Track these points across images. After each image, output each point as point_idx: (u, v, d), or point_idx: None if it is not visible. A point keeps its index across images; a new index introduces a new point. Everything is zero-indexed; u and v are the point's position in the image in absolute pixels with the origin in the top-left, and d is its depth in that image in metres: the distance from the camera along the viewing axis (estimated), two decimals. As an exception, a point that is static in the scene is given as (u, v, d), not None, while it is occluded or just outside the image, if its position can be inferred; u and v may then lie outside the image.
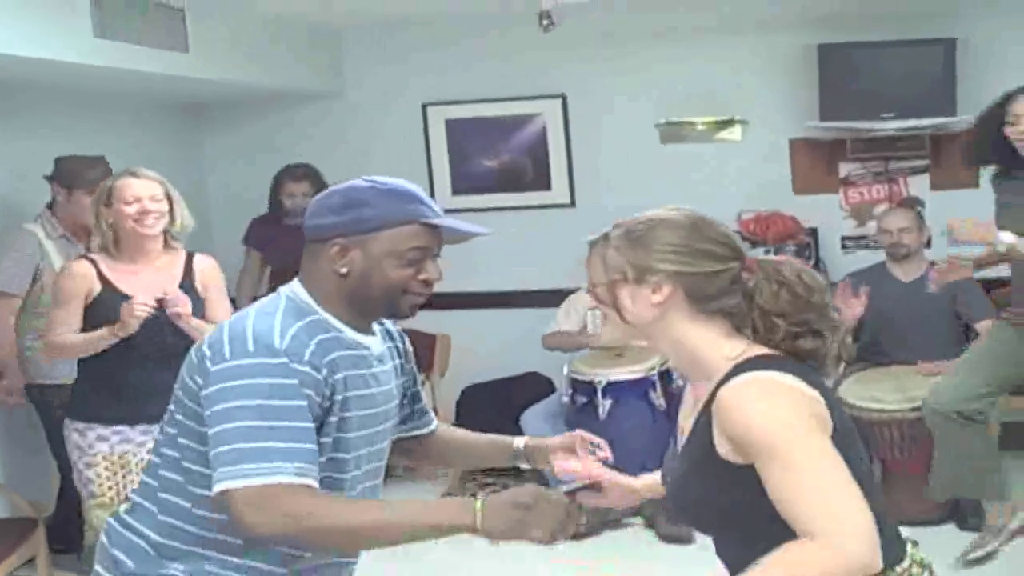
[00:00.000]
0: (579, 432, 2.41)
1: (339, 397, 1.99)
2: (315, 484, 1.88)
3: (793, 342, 1.80)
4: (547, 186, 6.20)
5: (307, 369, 1.93)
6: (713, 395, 1.76)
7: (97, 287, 3.65)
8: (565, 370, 5.19)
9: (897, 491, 4.64)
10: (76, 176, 4.48)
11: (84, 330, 3.66)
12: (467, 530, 1.86)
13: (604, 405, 4.95)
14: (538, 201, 6.20)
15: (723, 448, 1.73)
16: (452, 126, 6.24)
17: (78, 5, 4.11)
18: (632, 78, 5.97)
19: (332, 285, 2.05)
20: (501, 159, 6.24)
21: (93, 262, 3.69)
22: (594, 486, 2.23)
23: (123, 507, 2.14)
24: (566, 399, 5.15)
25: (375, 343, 2.15)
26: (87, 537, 3.83)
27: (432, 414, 2.49)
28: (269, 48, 5.55)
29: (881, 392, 4.70)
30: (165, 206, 3.69)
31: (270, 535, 1.87)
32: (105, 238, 3.67)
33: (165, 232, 3.72)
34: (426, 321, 5.93)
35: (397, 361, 2.28)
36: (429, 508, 1.99)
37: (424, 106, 6.24)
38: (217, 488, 1.86)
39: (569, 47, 5.83)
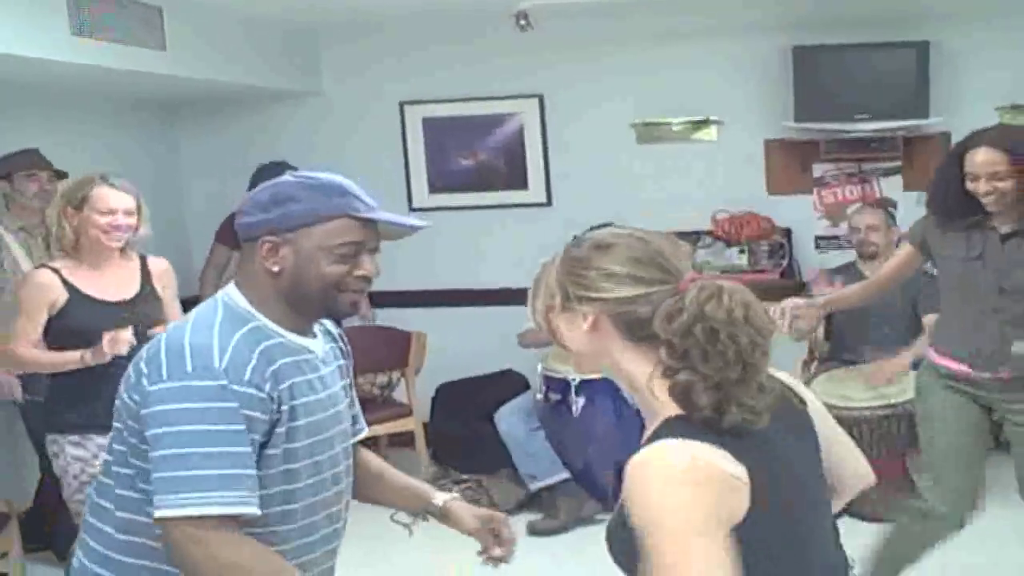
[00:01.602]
0: (497, 516, 2.33)
1: (286, 407, 1.94)
2: (255, 510, 1.86)
3: (673, 376, 1.60)
4: (524, 185, 6.23)
5: (248, 390, 1.87)
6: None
7: (63, 295, 3.57)
8: (539, 368, 5.22)
9: (869, 489, 4.69)
10: (11, 164, 4.66)
11: (52, 337, 3.59)
12: None
13: (577, 403, 4.99)
14: (515, 200, 6.23)
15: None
16: (429, 125, 6.27)
17: (55, 2, 4.11)
18: (608, 78, 6.00)
19: (267, 285, 1.98)
20: (478, 158, 6.27)
21: (55, 270, 3.61)
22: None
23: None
24: (540, 396, 5.19)
25: (317, 345, 2.09)
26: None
27: (363, 422, 2.35)
28: (247, 46, 5.57)
29: (851, 390, 4.75)
30: (135, 219, 3.63)
31: (198, 573, 1.85)
32: (65, 239, 3.60)
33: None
34: (402, 318, 6.02)
35: (342, 362, 2.21)
36: None
37: (401, 104, 6.27)
38: (157, 515, 1.84)
39: (546, 47, 5.87)
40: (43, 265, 3.75)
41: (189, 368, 1.85)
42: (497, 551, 2.29)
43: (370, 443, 5.89)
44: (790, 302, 3.67)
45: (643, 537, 1.51)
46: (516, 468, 5.18)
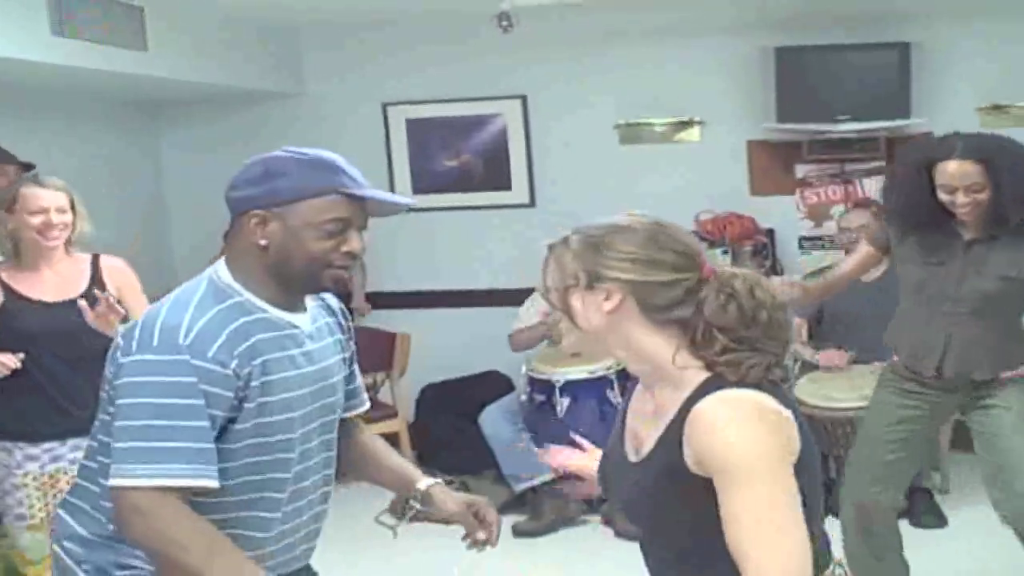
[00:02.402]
0: (479, 500, 2.38)
1: (257, 383, 1.97)
2: (208, 482, 1.90)
3: (725, 355, 1.72)
4: (507, 186, 6.23)
5: (210, 366, 1.91)
6: (683, 410, 1.71)
7: None
8: (523, 369, 5.21)
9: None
10: None
11: None
12: None
13: (562, 403, 4.98)
14: (498, 201, 6.23)
15: (692, 461, 1.69)
16: (413, 126, 6.26)
17: (35, 2, 4.09)
18: (592, 79, 6.01)
19: (254, 259, 2.01)
20: (461, 159, 6.26)
21: None
22: (578, 477, 2.28)
23: (67, 490, 2.16)
24: (524, 397, 5.18)
25: (304, 320, 2.10)
26: (8, 559, 3.71)
27: (364, 396, 2.42)
28: (228, 47, 5.54)
29: (834, 391, 4.76)
30: (70, 216, 3.55)
31: (139, 543, 1.93)
32: (2, 243, 3.55)
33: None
34: (386, 319, 6.01)
35: (338, 336, 2.23)
36: None
37: (384, 106, 6.26)
38: (109, 483, 1.90)
39: (529, 48, 5.87)
40: None
41: (155, 343, 1.91)
42: (481, 534, 2.32)
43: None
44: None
45: (728, 476, 1.63)
46: (500, 469, 5.17)
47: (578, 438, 2.36)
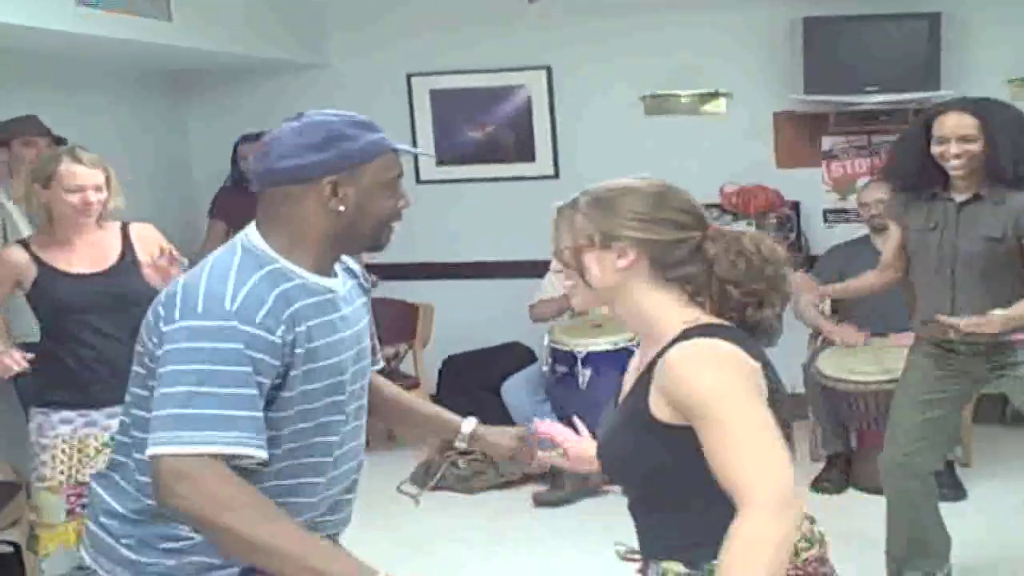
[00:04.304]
0: (522, 430, 2.48)
1: (301, 350, 1.95)
2: (255, 452, 1.86)
3: (742, 311, 1.87)
4: (531, 157, 6.21)
5: (258, 331, 1.87)
6: (658, 357, 1.82)
7: (33, 271, 3.54)
8: (545, 340, 5.21)
9: (871, 462, 4.69)
10: (9, 131, 4.65)
11: (38, 314, 3.61)
12: None
13: (584, 375, 4.98)
14: (522, 172, 6.21)
15: (658, 409, 1.80)
16: (437, 96, 6.25)
17: (60, -28, 4.10)
18: (617, 50, 5.96)
19: (317, 227, 1.99)
20: (486, 130, 6.24)
21: (27, 246, 3.59)
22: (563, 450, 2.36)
23: (102, 467, 2.14)
24: (546, 369, 5.18)
25: (338, 285, 2.10)
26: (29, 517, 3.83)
27: (379, 355, 2.38)
28: (252, 17, 5.54)
29: (857, 364, 4.74)
30: (105, 194, 3.56)
31: (183, 511, 1.84)
32: (38, 215, 3.57)
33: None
34: (409, 291, 6.02)
35: (365, 299, 2.24)
36: (333, 560, 1.84)
37: (409, 76, 6.25)
38: (149, 452, 1.84)
39: (555, 19, 5.85)
40: (18, 241, 3.72)
41: (200, 309, 1.87)
42: (546, 453, 2.43)
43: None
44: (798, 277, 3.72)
45: (709, 417, 1.72)
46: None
47: (577, 421, 2.46)
